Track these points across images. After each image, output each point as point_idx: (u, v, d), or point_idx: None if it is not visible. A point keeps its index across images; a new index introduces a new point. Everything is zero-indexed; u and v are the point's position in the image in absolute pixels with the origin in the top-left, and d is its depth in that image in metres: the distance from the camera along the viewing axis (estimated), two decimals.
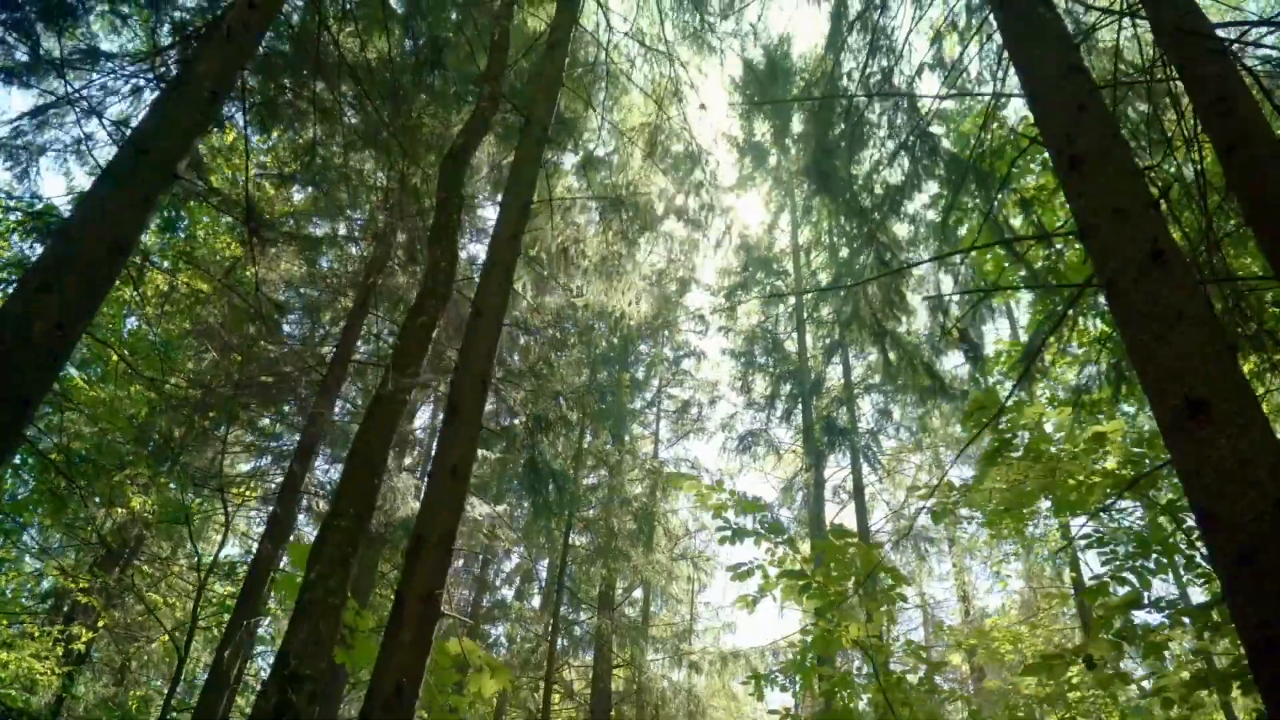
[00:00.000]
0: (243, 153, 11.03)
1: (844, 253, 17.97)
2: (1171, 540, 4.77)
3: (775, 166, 23.58)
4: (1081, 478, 5.01)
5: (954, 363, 19.14)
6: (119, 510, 14.27)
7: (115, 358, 13.21)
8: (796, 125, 20.39)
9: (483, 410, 4.89)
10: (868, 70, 9.63)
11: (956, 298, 11.59)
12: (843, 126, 8.89)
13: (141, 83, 8.58)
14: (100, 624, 15.67)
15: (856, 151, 8.85)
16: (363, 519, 4.52)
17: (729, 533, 6.34)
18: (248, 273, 13.63)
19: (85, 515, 14.36)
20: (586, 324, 16.97)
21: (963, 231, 10.66)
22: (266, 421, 15.85)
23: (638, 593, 20.32)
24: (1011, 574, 19.38)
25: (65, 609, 16.94)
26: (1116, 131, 3.20)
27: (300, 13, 9.58)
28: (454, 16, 10.01)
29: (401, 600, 4.12)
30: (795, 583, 5.83)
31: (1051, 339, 6.96)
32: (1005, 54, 9.03)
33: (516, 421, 13.90)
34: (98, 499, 13.80)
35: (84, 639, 15.34)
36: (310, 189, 13.54)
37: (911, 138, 9.17)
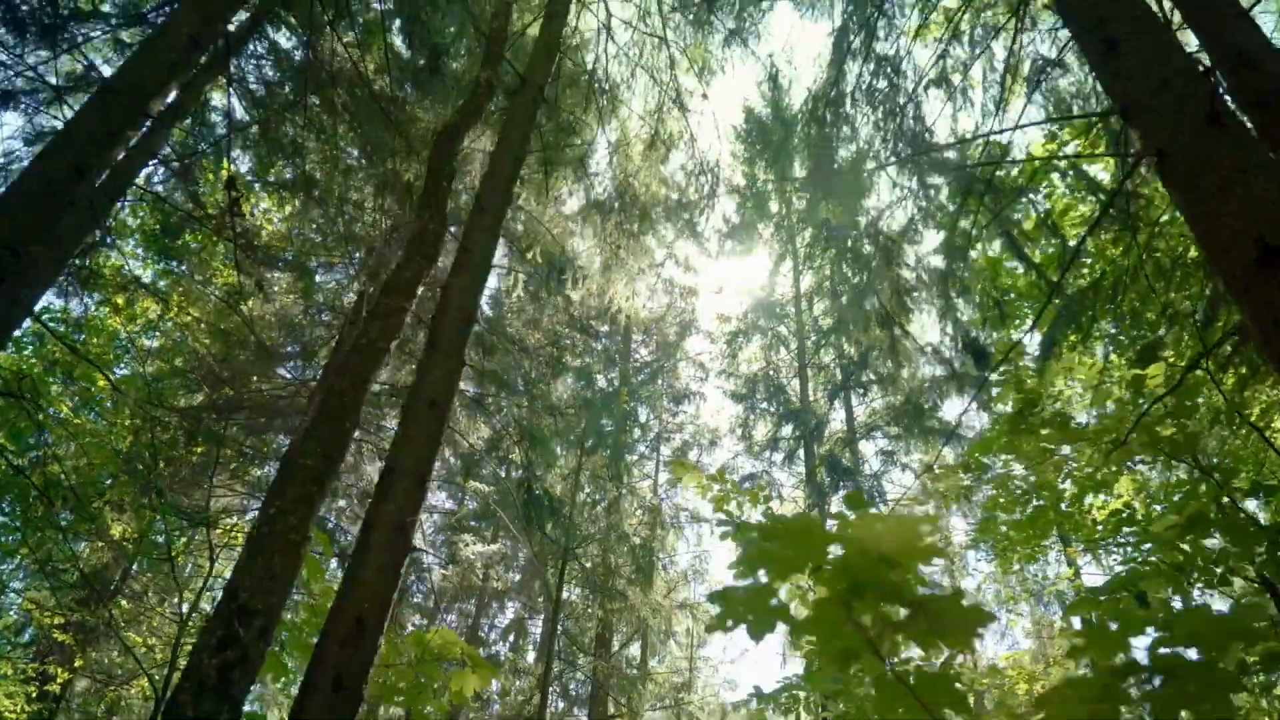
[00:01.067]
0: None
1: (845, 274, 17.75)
2: (1215, 514, 4.39)
3: (777, 212, 23.54)
4: (1111, 442, 4.65)
5: (957, 409, 18.82)
6: (100, 544, 13.79)
7: (102, 381, 12.91)
8: (798, 170, 20.38)
9: (464, 347, 4.56)
10: (870, 85, 9.53)
11: (965, 315, 11.31)
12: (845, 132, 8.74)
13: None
14: (77, 664, 15.05)
15: (859, 162, 8.69)
16: (331, 460, 4.14)
17: (731, 528, 5.96)
18: (234, 265, 13.39)
19: (65, 549, 13.87)
20: (588, 347, 16.69)
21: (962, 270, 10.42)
22: (257, 473, 15.45)
23: (634, 649, 19.68)
24: (1020, 618, 18.77)
25: (43, 650, 16.31)
26: (1153, 14, 2.96)
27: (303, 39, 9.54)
28: (456, 35, 9.96)
29: (369, 528, 3.69)
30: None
31: (1070, 335, 6.65)
32: (1005, 83, 8.92)
33: (513, 456, 13.54)
34: (78, 531, 13.34)
35: (60, 678, 14.72)
36: (307, 214, 13.39)
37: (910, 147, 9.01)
